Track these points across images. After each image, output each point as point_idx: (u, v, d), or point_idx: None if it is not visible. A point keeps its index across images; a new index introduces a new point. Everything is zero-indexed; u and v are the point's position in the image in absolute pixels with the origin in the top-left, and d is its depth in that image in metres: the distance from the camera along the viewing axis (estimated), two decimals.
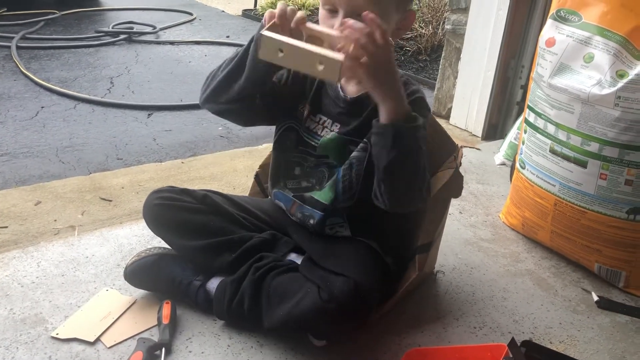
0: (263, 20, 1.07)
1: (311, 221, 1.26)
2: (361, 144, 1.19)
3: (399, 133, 1.03)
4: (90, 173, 2.08)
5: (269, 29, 1.01)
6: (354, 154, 1.20)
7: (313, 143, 1.25)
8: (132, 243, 1.52)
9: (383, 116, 1.04)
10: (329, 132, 1.24)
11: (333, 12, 1.10)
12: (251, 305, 1.18)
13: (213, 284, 1.25)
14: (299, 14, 1.04)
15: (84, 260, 1.44)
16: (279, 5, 1.05)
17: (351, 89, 1.24)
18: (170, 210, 1.28)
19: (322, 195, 1.24)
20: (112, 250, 1.49)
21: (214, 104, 1.22)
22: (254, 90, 1.17)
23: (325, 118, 1.25)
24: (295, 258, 1.30)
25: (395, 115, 1.03)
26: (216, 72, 1.21)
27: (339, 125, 1.23)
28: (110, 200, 1.82)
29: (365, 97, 1.19)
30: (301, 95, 1.28)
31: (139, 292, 1.32)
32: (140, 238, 1.54)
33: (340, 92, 1.24)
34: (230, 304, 1.20)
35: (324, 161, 1.24)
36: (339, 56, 0.95)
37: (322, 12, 1.14)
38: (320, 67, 0.96)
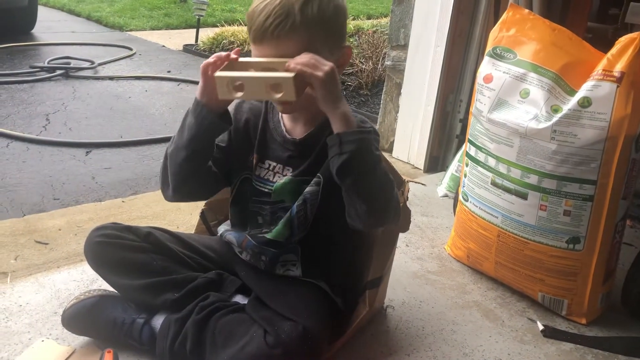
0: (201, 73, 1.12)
1: (263, 258, 1.25)
2: (314, 179, 1.20)
3: (348, 139, 1.06)
4: (25, 215, 1.98)
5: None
6: (307, 189, 1.20)
7: (266, 190, 1.24)
8: (70, 289, 1.45)
9: (335, 127, 1.07)
10: (281, 177, 1.23)
11: None
12: (194, 347, 1.14)
13: (158, 320, 1.21)
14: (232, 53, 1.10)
15: (17, 310, 1.36)
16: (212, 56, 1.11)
17: (298, 131, 1.24)
18: (112, 248, 1.24)
19: (276, 233, 1.22)
20: (48, 297, 1.41)
21: (181, 191, 1.22)
22: (204, 154, 1.20)
23: (274, 163, 1.25)
24: (241, 300, 1.27)
25: (345, 125, 1.06)
26: (167, 162, 1.21)
27: (290, 169, 1.23)
28: (47, 244, 1.74)
29: (313, 137, 1.21)
30: (250, 147, 1.28)
31: (78, 341, 1.25)
32: (80, 283, 1.47)
33: (287, 135, 1.24)
34: (173, 343, 1.16)
35: (279, 206, 1.24)
36: (288, 74, 1.01)
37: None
38: (276, 90, 1.02)
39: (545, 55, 1.49)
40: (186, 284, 1.22)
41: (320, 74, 1.02)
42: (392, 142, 2.72)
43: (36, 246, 1.72)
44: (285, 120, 1.27)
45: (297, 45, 1.06)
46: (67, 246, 1.73)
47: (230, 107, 1.24)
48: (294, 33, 1.06)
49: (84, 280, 1.49)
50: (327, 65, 1.03)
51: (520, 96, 1.50)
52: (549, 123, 1.41)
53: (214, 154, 1.24)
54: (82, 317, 1.24)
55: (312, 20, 1.06)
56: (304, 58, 1.02)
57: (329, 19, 1.10)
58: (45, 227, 1.85)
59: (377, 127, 2.87)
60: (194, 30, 5.65)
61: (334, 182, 1.15)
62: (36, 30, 5.42)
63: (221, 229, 1.37)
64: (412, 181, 2.32)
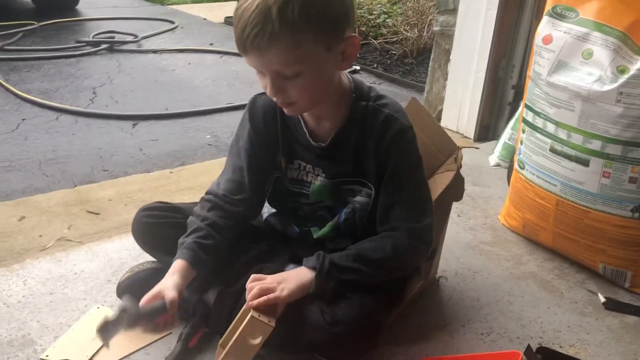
0: None
1: (313, 235, 1.23)
2: (365, 189, 1.16)
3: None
4: (76, 186, 2.01)
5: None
6: (357, 198, 1.17)
7: (304, 191, 1.20)
8: (122, 257, 1.46)
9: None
10: (314, 177, 1.18)
11: (263, 73, 1.04)
12: None
13: (211, 295, 1.20)
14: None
15: (73, 277, 1.38)
16: None
17: (322, 131, 1.16)
18: (160, 227, 1.23)
19: (322, 234, 1.21)
20: (102, 265, 1.43)
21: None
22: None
23: (304, 163, 1.18)
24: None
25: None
26: None
27: (321, 170, 1.17)
28: (98, 214, 1.76)
29: (340, 141, 1.14)
30: (275, 145, 1.20)
31: None
32: (132, 252, 1.49)
33: (312, 141, 1.16)
34: (230, 316, 1.14)
35: (320, 205, 1.20)
36: (247, 316, 1.02)
37: (257, 73, 1.06)
38: (257, 340, 1.01)
39: (611, 13, 1.40)
40: (239, 255, 1.21)
41: (282, 293, 1.04)
42: (441, 111, 2.64)
43: (88, 216, 1.74)
44: (305, 118, 1.16)
45: (283, 54, 0.96)
46: (118, 216, 1.75)
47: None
48: (276, 42, 0.94)
49: (135, 249, 1.48)
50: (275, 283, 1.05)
51: (583, 57, 1.41)
52: (615, 85, 1.33)
53: (248, 163, 1.19)
54: (136, 290, 1.23)
55: (294, 24, 0.93)
56: (254, 290, 1.03)
57: (318, 15, 0.95)
58: (96, 198, 1.87)
59: (424, 95, 2.80)
60: (235, 2, 5.61)
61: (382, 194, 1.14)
62: (80, 6, 5.47)
63: (264, 212, 1.34)
64: (466, 147, 2.25)
